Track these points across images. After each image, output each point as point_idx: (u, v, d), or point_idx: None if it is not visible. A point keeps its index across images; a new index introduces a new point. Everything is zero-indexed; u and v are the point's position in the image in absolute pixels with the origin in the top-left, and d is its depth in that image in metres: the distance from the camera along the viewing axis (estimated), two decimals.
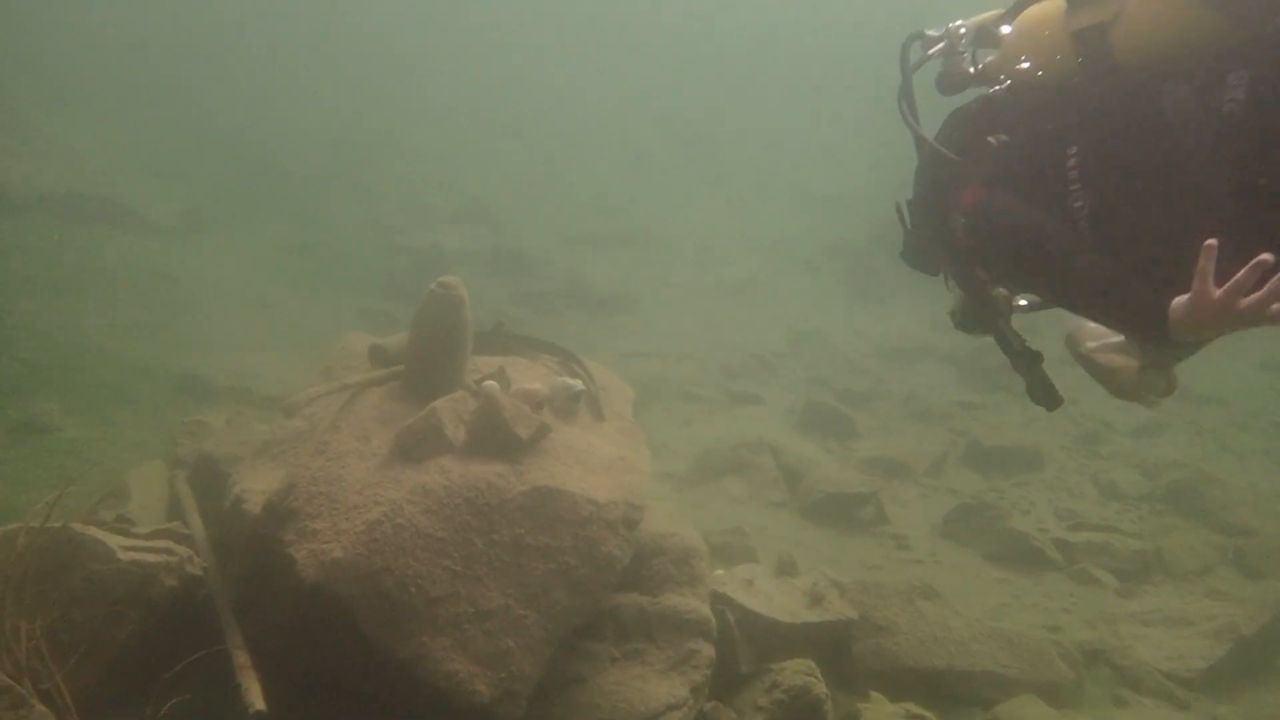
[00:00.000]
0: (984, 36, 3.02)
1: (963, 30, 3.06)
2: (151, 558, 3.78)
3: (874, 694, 4.64)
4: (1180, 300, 2.30)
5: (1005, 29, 2.94)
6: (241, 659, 3.58)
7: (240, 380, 8.42)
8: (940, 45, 3.10)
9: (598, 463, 4.45)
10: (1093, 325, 3.08)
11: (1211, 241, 2.15)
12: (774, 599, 4.83)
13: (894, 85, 3.11)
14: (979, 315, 2.98)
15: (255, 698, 3.38)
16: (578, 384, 4.75)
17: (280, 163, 19.46)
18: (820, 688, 4.24)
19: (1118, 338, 3.05)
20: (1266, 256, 2.06)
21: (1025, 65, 2.82)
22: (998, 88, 2.92)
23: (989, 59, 2.99)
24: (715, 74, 30.42)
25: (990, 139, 2.83)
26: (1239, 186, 2.32)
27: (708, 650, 4.36)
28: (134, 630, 3.69)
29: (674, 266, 17.24)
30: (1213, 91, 2.32)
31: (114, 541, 3.79)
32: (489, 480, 4.00)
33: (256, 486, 4.25)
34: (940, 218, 2.95)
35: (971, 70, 3.02)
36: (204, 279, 12.32)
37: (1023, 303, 2.89)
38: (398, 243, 16.16)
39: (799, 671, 4.30)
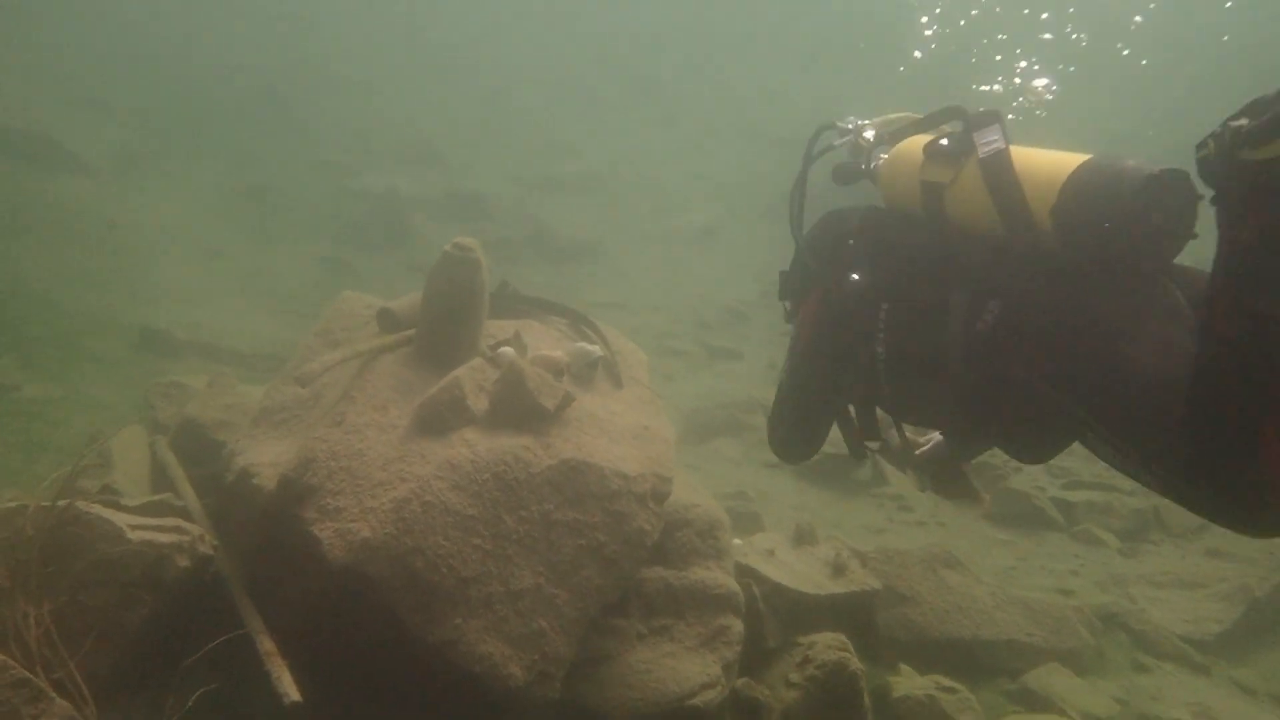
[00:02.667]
0: (884, 140, 3.47)
1: (868, 131, 3.58)
2: (163, 537, 3.73)
3: (903, 666, 4.73)
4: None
5: (883, 154, 3.45)
6: (267, 645, 3.56)
7: (202, 335, 8.30)
8: (845, 139, 3.64)
9: (621, 432, 4.45)
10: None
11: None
12: (796, 570, 4.89)
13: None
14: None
15: (289, 688, 3.37)
16: (596, 349, 4.73)
17: (209, 95, 18.98)
18: (855, 663, 4.31)
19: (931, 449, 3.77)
20: None
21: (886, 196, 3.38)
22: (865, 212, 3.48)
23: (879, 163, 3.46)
24: (657, 10, 30.12)
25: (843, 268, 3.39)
26: (972, 394, 2.92)
27: (737, 626, 4.42)
28: (148, 614, 3.65)
29: (633, 212, 17.26)
30: (976, 310, 2.84)
31: (121, 520, 3.73)
32: (516, 454, 3.98)
33: (263, 459, 4.19)
34: (792, 306, 3.71)
35: (864, 167, 3.55)
36: (147, 224, 12.04)
37: None
38: (348, 186, 15.93)
39: (832, 646, 4.37)
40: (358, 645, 3.73)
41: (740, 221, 17.65)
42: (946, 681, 4.62)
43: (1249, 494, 2.09)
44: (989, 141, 2.92)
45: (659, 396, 5.07)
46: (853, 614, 4.83)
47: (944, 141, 3.10)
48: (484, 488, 3.86)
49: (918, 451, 3.82)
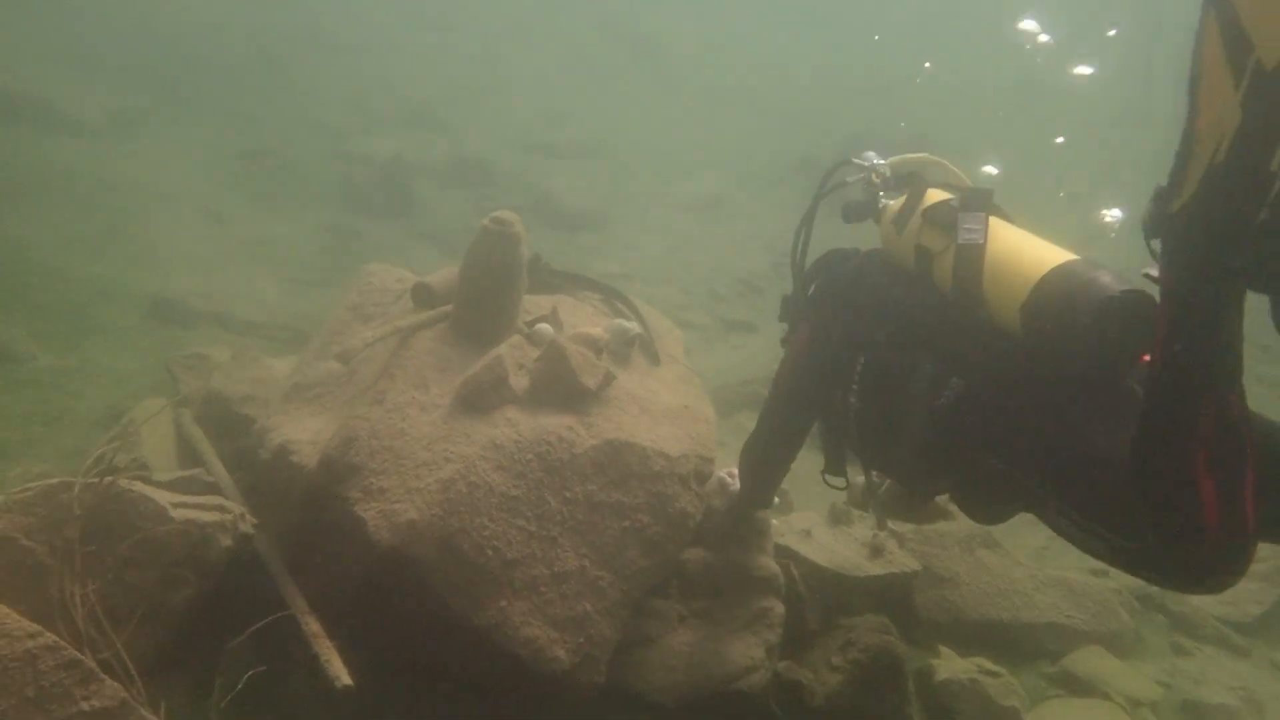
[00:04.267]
0: (896, 182, 3.68)
1: (883, 171, 3.77)
2: (206, 516, 3.77)
3: (943, 648, 4.79)
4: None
5: (889, 200, 3.69)
6: (313, 626, 3.61)
7: (214, 304, 8.30)
8: (859, 177, 3.84)
9: (662, 411, 4.48)
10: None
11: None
12: (834, 551, 4.94)
13: None
14: None
15: (340, 671, 3.42)
16: (633, 326, 4.75)
17: (201, 55, 18.87)
18: (900, 646, 4.37)
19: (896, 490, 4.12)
20: None
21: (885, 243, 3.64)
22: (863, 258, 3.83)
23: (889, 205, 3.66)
24: None
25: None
26: (927, 461, 3.23)
27: (779, 608, 4.47)
28: (191, 594, 3.70)
29: (637, 180, 17.22)
30: (939, 384, 3.11)
31: (164, 499, 3.76)
32: (559, 434, 4.02)
33: (301, 436, 4.23)
34: (789, 329, 4.14)
35: (877, 207, 3.74)
36: (147, 187, 12.00)
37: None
38: (349, 150, 15.86)
39: (875, 629, 4.43)
40: (400, 627, 3.79)
41: (746, 190, 17.60)
42: (989, 665, 4.68)
43: (1197, 550, 2.22)
44: (970, 229, 3.16)
45: (696, 374, 5.10)
46: (891, 595, 4.88)
47: (941, 211, 3.31)
48: (528, 468, 3.90)
49: (880, 493, 4.19)
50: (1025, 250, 3.02)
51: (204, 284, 8.95)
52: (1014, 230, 3.17)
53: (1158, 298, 2.32)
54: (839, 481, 4.11)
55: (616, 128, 20.36)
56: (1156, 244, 2.25)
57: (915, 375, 3.23)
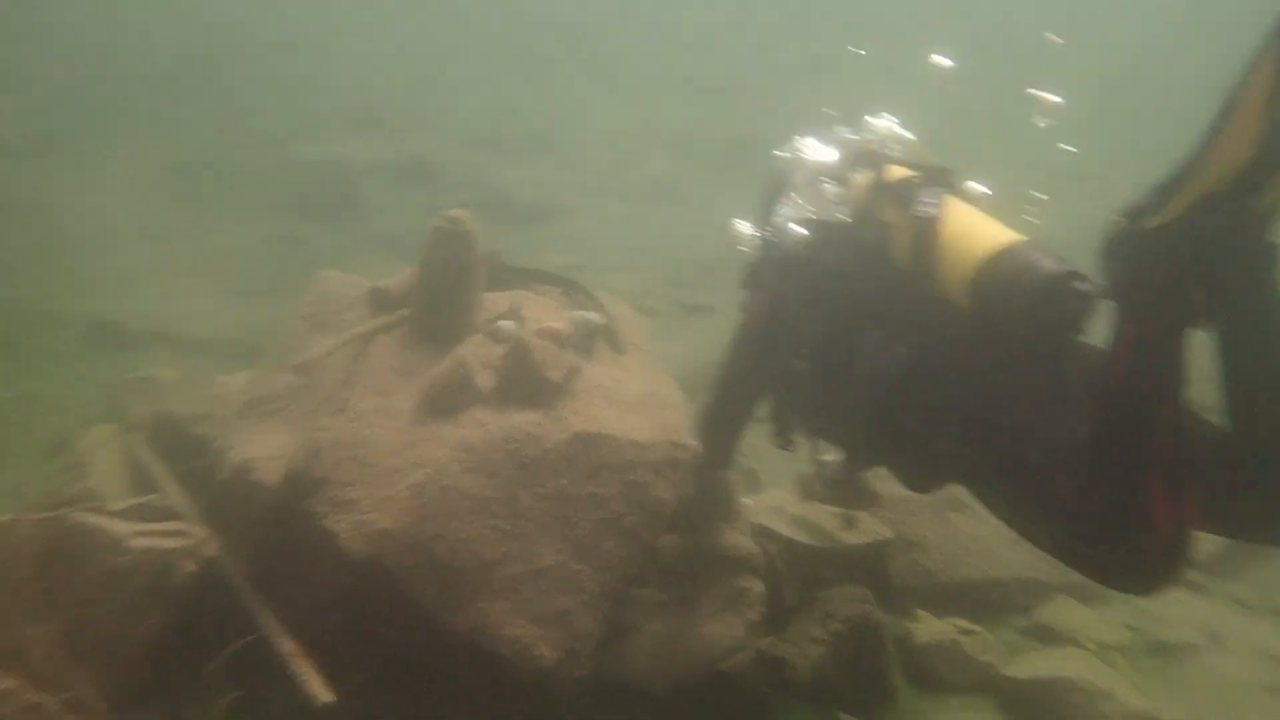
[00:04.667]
0: (863, 157, 3.63)
1: (853, 145, 3.72)
2: (167, 543, 3.64)
3: (920, 612, 4.78)
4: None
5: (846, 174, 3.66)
6: (288, 646, 3.50)
7: (157, 323, 8.05)
8: (829, 145, 3.81)
9: (630, 401, 4.40)
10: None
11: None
12: (808, 524, 4.90)
13: None
14: None
15: (319, 689, 3.32)
16: (595, 317, 4.66)
17: (126, 66, 18.39)
18: (878, 614, 4.35)
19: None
20: None
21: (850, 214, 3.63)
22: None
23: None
24: None
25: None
26: (869, 428, 3.27)
27: (758, 587, 4.42)
28: (158, 624, 3.58)
29: (585, 171, 17.10)
30: (886, 353, 3.12)
31: (120, 528, 3.63)
32: (528, 430, 3.93)
33: (262, 453, 4.09)
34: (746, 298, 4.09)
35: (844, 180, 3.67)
36: (79, 206, 11.67)
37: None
38: (291, 156, 15.52)
39: (853, 600, 4.40)
40: (382, 638, 3.69)
41: (694, 174, 17.54)
42: (965, 624, 4.68)
43: (1143, 550, 2.25)
44: (926, 203, 3.16)
45: (662, 361, 5.03)
46: (867, 565, 4.85)
47: (900, 186, 3.32)
48: (499, 467, 3.81)
49: (828, 472, 4.14)
50: (978, 228, 3.05)
51: (145, 303, 8.69)
52: (970, 210, 3.18)
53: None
54: (786, 448, 4.06)
55: (560, 119, 20.17)
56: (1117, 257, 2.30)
57: (864, 344, 3.25)
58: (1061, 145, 3.34)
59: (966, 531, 5.25)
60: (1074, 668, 4.39)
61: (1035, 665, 4.48)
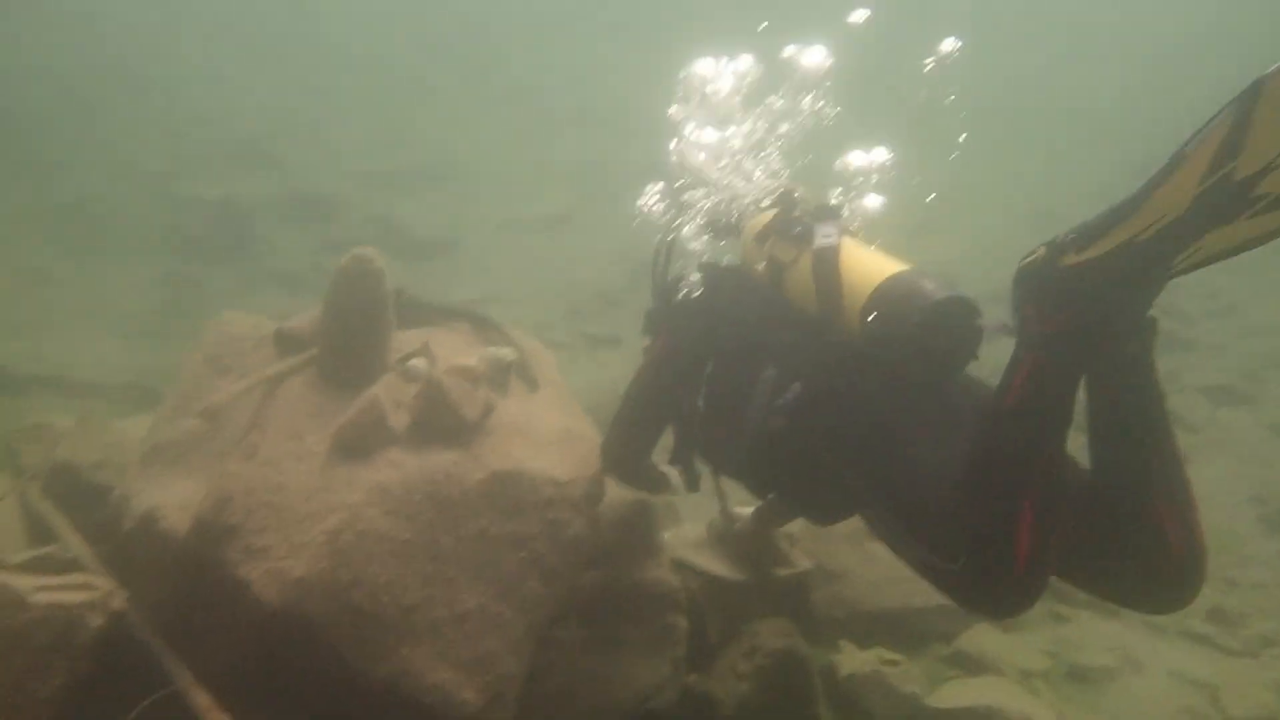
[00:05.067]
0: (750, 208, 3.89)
1: (747, 193, 3.96)
2: (71, 597, 3.52)
3: (843, 643, 4.85)
4: None
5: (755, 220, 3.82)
6: (203, 700, 3.41)
7: (47, 368, 7.81)
8: (721, 198, 4.08)
9: (546, 437, 4.40)
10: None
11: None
12: (728, 558, 4.93)
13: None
14: None
15: None
16: (507, 353, 4.66)
17: None
18: (804, 647, 4.41)
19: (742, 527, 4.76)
20: None
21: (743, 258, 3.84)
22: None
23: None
24: None
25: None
26: (765, 462, 3.42)
27: (682, 623, 4.45)
28: (61, 682, 3.44)
29: (483, 204, 17.11)
30: (781, 388, 3.25)
31: (20, 583, 3.50)
32: (446, 470, 3.91)
33: (168, 500, 3.99)
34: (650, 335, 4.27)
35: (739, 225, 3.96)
36: None
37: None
38: (175, 193, 15.26)
39: (777, 633, 4.45)
40: (299, 689, 3.61)
41: (591, 206, 17.64)
42: (888, 654, 4.76)
43: (1004, 576, 2.37)
44: (826, 234, 3.33)
45: (573, 395, 5.04)
46: (789, 597, 4.92)
47: (793, 224, 3.52)
48: (418, 509, 3.78)
49: (736, 527, 4.76)
50: (867, 260, 3.19)
51: (32, 347, 8.42)
52: (857, 244, 3.35)
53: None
54: (694, 488, 4.32)
55: (454, 151, 20.15)
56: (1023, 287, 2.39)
57: (759, 380, 3.36)
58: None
59: (886, 560, 5.27)
60: (997, 696, 4.48)
61: (959, 695, 4.57)
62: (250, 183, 15.59)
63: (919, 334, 2.86)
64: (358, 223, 14.94)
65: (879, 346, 3.02)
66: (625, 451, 4.34)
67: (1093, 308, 2.25)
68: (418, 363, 4.41)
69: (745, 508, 4.86)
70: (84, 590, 3.60)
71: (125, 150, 17.26)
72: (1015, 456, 2.34)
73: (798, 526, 5.44)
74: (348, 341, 4.23)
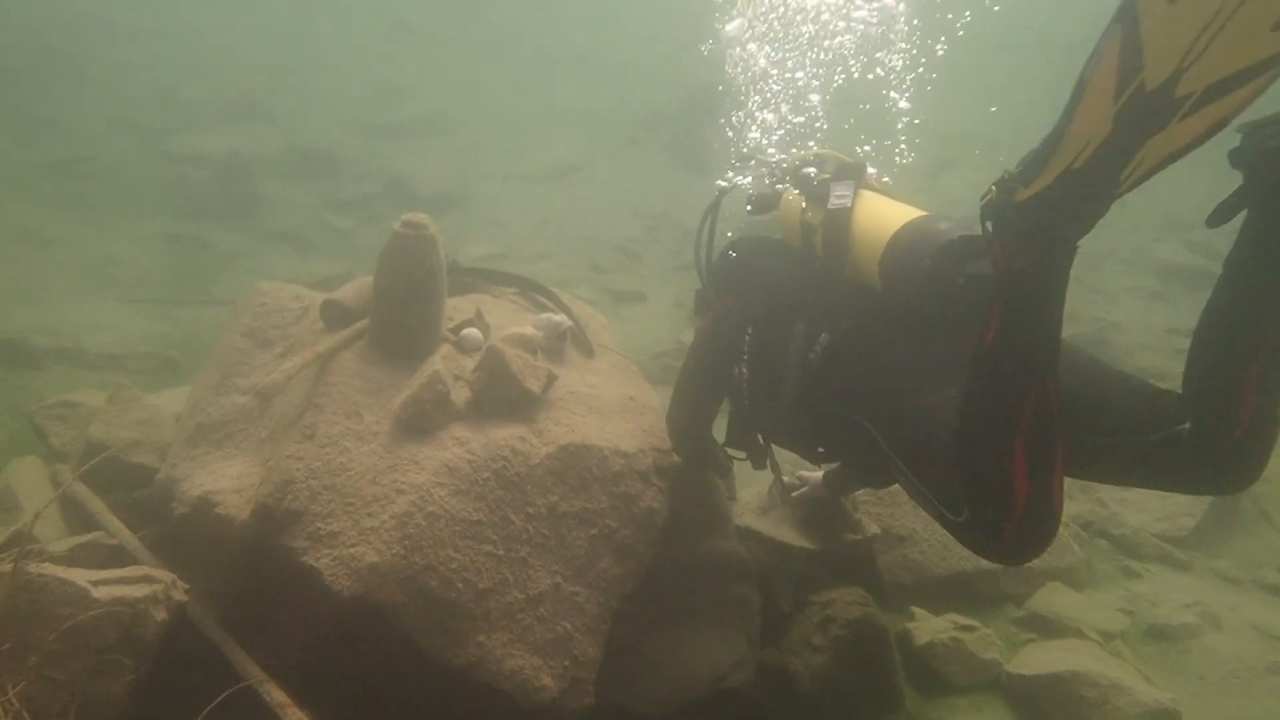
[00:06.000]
0: (794, 175, 3.85)
1: (784, 164, 4.00)
2: (135, 591, 3.46)
3: (915, 609, 4.81)
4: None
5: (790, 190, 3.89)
6: (278, 696, 3.36)
7: (60, 339, 7.69)
8: (762, 171, 4.14)
9: (609, 407, 4.34)
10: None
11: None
12: (793, 524, 4.88)
13: None
14: None
15: None
16: (562, 319, 4.58)
17: None
18: (881, 617, 4.37)
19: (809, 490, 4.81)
20: None
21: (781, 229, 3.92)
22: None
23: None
24: None
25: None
26: (802, 420, 3.47)
27: (754, 595, 4.42)
28: (131, 680, 3.39)
29: (488, 155, 16.98)
30: (811, 340, 3.40)
31: (80, 577, 3.43)
32: (512, 446, 3.85)
33: (223, 485, 3.93)
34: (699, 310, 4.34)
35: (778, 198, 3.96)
36: None
37: None
38: (172, 150, 15.07)
39: (853, 603, 4.41)
40: (372, 680, 3.58)
41: (600, 153, 17.51)
42: (963, 620, 4.72)
43: (1006, 519, 2.36)
44: (840, 196, 3.46)
45: (631, 360, 4.97)
46: (855, 563, 4.87)
47: (816, 186, 3.62)
48: (486, 488, 3.72)
49: (794, 494, 4.82)
50: (886, 212, 3.30)
51: (43, 317, 8.31)
52: (881, 198, 3.45)
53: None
54: (739, 454, 4.32)
55: (453, 100, 19.94)
56: (989, 226, 2.41)
57: (792, 336, 3.50)
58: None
59: None
60: (1080, 660, 4.44)
61: (1040, 660, 4.53)
62: (246, 138, 15.38)
63: (933, 273, 2.94)
64: (361, 178, 14.76)
65: (897, 291, 3.12)
66: (686, 427, 4.34)
67: (1051, 238, 2.28)
68: (471, 332, 4.34)
69: (813, 472, 4.80)
70: (145, 583, 3.53)
71: (115, 105, 17.05)
72: (999, 399, 2.35)
73: (861, 491, 5.40)
74: (401, 312, 4.14)
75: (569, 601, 3.77)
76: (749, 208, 4.13)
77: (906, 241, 3.07)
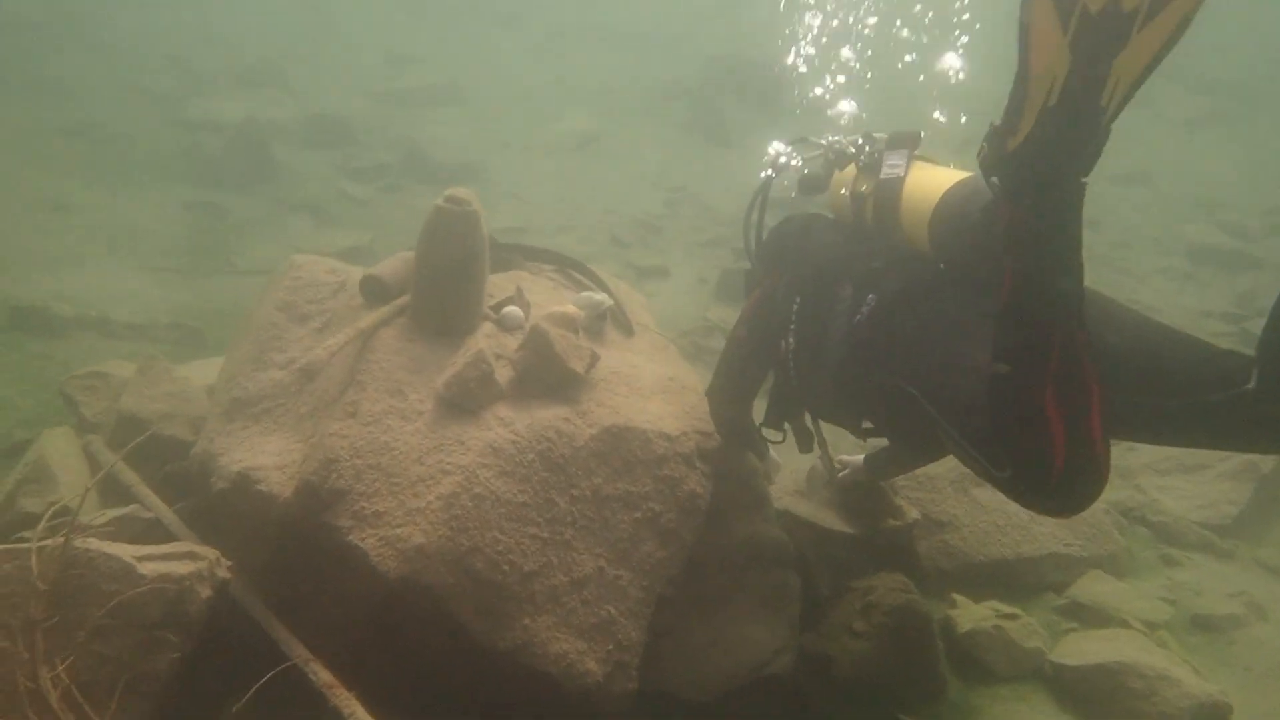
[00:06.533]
0: (846, 156, 3.92)
1: (837, 147, 3.98)
2: (180, 567, 3.48)
3: (956, 596, 4.82)
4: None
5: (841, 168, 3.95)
6: (324, 675, 3.38)
7: (83, 307, 7.71)
8: (816, 154, 4.13)
9: (650, 387, 4.35)
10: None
11: None
12: (833, 508, 4.89)
13: None
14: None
15: None
16: (603, 298, 4.57)
17: None
18: (925, 604, 4.37)
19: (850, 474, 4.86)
20: None
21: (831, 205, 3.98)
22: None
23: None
24: None
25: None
26: (849, 385, 3.52)
27: (795, 580, 4.43)
28: (176, 657, 3.41)
29: (505, 125, 16.97)
30: (859, 302, 3.43)
31: (125, 553, 3.45)
32: (556, 428, 3.85)
33: (263, 461, 3.93)
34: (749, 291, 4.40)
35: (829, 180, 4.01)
36: None
37: None
38: (187, 116, 15.08)
39: (895, 589, 4.41)
40: (416, 661, 3.60)
41: (618, 125, 17.45)
42: (1005, 608, 4.73)
43: (1049, 471, 2.35)
44: (892, 165, 3.51)
45: (670, 340, 4.96)
46: (895, 549, 4.87)
47: (868, 156, 3.69)
48: (531, 469, 3.73)
49: (840, 475, 4.86)
50: (936, 175, 3.34)
51: (64, 284, 8.34)
52: (933, 166, 3.49)
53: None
54: (776, 436, 4.44)
55: (467, 70, 19.91)
56: (995, 181, 2.43)
57: (838, 300, 3.55)
58: None
59: (993, 507, 5.30)
60: (1126, 650, 4.45)
61: (1085, 649, 4.53)
62: (262, 105, 15.39)
63: (980, 229, 2.91)
64: (379, 146, 14.75)
65: (947, 251, 3.17)
66: (728, 403, 4.40)
67: (1052, 177, 2.29)
68: (513, 310, 4.33)
69: (853, 456, 4.81)
70: (189, 559, 3.55)
71: (130, 70, 17.07)
72: (1024, 354, 2.36)
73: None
74: (444, 288, 4.13)
75: (613, 585, 3.78)
76: (794, 193, 4.16)
77: (955, 200, 3.11)
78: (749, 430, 4.55)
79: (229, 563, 3.73)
